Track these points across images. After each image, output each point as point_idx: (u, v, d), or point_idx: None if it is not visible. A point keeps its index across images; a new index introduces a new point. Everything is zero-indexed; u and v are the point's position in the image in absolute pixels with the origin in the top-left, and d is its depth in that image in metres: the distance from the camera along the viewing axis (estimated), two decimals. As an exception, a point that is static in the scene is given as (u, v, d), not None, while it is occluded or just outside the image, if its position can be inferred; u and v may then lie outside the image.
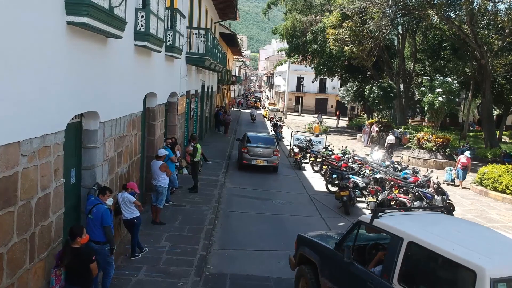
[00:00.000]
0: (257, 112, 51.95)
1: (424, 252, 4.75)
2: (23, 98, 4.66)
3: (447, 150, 23.17)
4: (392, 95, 31.63)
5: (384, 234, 5.58)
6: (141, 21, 8.78)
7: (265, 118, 46.46)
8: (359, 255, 5.86)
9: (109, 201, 7.06)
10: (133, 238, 8.41)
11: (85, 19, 5.50)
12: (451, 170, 19.06)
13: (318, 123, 31.56)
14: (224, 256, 9.22)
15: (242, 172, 18.06)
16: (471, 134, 40.15)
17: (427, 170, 15.87)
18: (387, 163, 17.73)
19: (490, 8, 26.86)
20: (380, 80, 34.22)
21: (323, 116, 49.69)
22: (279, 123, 32.46)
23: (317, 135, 25.40)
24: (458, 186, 18.28)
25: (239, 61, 68.68)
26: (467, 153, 18.93)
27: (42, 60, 5.07)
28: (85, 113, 6.78)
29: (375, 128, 28.93)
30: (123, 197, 8.09)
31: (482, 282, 3.90)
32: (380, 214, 5.73)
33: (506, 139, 39.45)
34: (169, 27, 11.92)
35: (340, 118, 48.99)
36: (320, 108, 62.98)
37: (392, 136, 24.91)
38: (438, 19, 25.75)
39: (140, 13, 8.77)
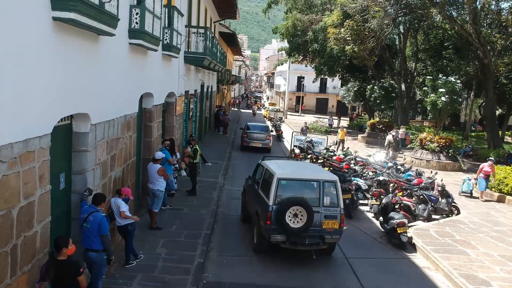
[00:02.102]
0: (257, 112, 52.05)
1: (267, 172, 9.64)
2: (2, 99, 4.30)
3: (450, 151, 22.79)
4: (394, 95, 31.24)
5: None
6: (136, 18, 8.42)
7: (265, 118, 46.02)
8: (261, 184, 9.91)
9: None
10: (127, 244, 8.06)
11: (72, 15, 5.14)
12: (469, 180, 16.48)
13: (341, 128, 27.04)
14: (223, 263, 8.86)
15: (242, 173, 17.72)
16: (473, 134, 39.77)
17: (431, 171, 15.51)
18: (390, 164, 17.38)
19: (493, 7, 26.51)
20: (381, 80, 33.83)
21: (323, 116, 49.25)
22: (303, 127, 28.81)
23: (342, 141, 24.69)
24: (477, 198, 16.01)
25: (239, 61, 68.30)
26: (490, 159, 16.49)
27: (25, 58, 4.71)
28: (75, 115, 6.43)
29: (393, 132, 24.33)
30: (116, 203, 7.75)
31: (275, 179, 8.88)
32: (265, 159, 11.01)
33: (508, 139, 39.09)
34: (166, 25, 11.57)
35: (341, 118, 48.54)
36: (321, 108, 62.58)
37: (390, 136, 24.44)
38: (441, 18, 25.35)
39: (135, 10, 8.41)
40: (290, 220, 8.58)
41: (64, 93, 5.69)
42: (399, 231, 10.38)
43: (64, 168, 6.46)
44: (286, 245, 8.92)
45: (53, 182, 5.87)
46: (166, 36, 11.50)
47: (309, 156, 20.78)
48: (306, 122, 30.95)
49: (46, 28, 5.12)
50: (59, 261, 4.98)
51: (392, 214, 10.93)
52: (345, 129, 27.28)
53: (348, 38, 28.72)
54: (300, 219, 8.60)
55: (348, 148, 21.01)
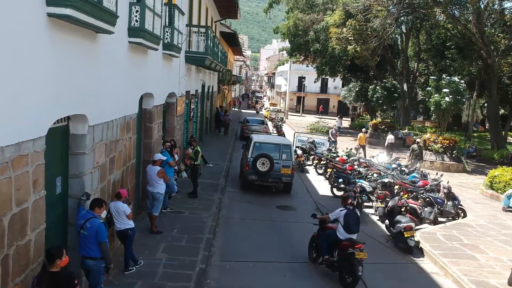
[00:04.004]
0: (259, 111, 52.03)
1: (251, 140, 14.81)
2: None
3: (454, 152, 22.50)
4: (396, 95, 30.96)
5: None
6: (136, 16, 8.15)
7: (266, 119, 45.53)
8: (247, 147, 14.87)
9: (103, 214, 6.44)
10: (126, 250, 7.78)
11: (68, 11, 4.86)
12: None
13: (364, 132, 24.35)
14: (225, 269, 8.58)
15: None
16: (475, 134, 39.47)
17: (437, 173, 15.22)
18: (394, 165, 17.09)
19: (496, 6, 26.24)
20: (383, 80, 33.55)
21: (325, 117, 48.92)
22: (333, 130, 25.97)
23: (363, 147, 23.16)
24: None
25: (240, 61, 67.98)
26: None
27: (18, 56, 4.43)
28: (72, 116, 6.15)
29: (417, 139, 22.22)
30: (116, 207, 7.47)
31: (253, 142, 14.45)
32: (252, 134, 16.81)
33: (511, 139, 38.75)
34: (167, 24, 11.30)
35: (343, 118, 48.19)
36: (322, 108, 62.19)
37: (391, 136, 24.07)
38: (444, 17, 25.05)
39: (135, 7, 8.13)
40: (260, 166, 13.92)
41: (60, 94, 5.42)
42: (406, 235, 10.10)
43: (60, 172, 6.18)
44: (257, 182, 14.25)
45: (49, 187, 5.61)
46: (167, 35, 11.22)
47: (311, 157, 20.52)
48: (336, 125, 28.88)
49: (41, 25, 4.84)
50: (52, 273, 4.64)
51: (398, 217, 10.65)
52: (366, 134, 25.00)
53: (350, 38, 28.43)
54: (266, 166, 13.93)
55: (351, 149, 20.69)
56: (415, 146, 20.26)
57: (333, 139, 24.29)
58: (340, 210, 8.43)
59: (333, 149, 20.74)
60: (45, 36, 4.96)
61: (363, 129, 25.53)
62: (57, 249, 4.76)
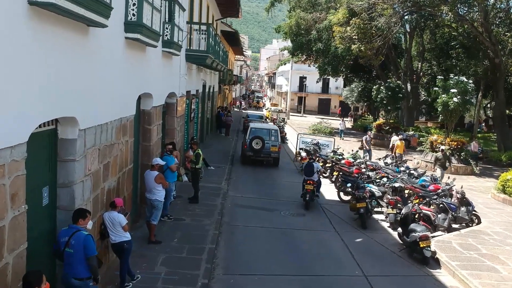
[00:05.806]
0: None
1: (249, 126, 20.07)
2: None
3: (462, 154, 21.85)
4: (401, 95, 30.31)
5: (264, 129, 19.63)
6: (133, 9, 7.52)
7: (267, 119, 44.72)
8: (247, 131, 19.77)
9: (89, 225, 5.77)
10: (122, 264, 7.12)
11: (52, -2, 4.22)
12: None
13: (401, 140, 21.58)
14: (229, 283, 7.93)
15: (246, 176, 16.85)
16: (479, 135, 38.79)
17: (449, 177, 14.56)
18: (402, 168, 16.44)
19: (503, 5, 25.61)
20: (388, 80, 32.90)
21: (326, 117, 48.22)
22: (368, 137, 22.46)
23: (401, 155, 20.04)
24: None
25: (241, 60, 67.33)
26: None
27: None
28: (60, 119, 5.51)
29: (442, 146, 19.79)
30: (111, 218, 6.83)
31: (250, 127, 19.66)
32: (250, 123, 22.49)
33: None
34: (167, 20, 10.66)
35: (344, 119, 47.56)
36: (323, 108, 61.54)
37: (396, 137, 23.35)
38: (452, 15, 24.37)
39: (132, 0, 7.49)
40: (254, 145, 18.15)
41: (45, 94, 4.77)
42: (421, 245, 9.44)
43: (47, 181, 5.54)
44: (252, 157, 18.47)
45: (34, 198, 5.01)
46: (167, 32, 10.58)
47: (316, 159, 19.82)
48: (370, 131, 25.95)
49: (20, 14, 4.20)
50: None
51: (413, 226, 9.99)
52: (403, 141, 22.06)
53: (354, 37, 27.77)
54: (259, 145, 18.20)
55: (357, 151, 20.04)
56: (439, 154, 18.41)
57: (367, 147, 21.80)
58: (304, 163, 14.40)
59: (368, 160, 18.67)
60: (26, 28, 4.31)
61: (399, 136, 22.68)
62: (36, 275, 4.09)
